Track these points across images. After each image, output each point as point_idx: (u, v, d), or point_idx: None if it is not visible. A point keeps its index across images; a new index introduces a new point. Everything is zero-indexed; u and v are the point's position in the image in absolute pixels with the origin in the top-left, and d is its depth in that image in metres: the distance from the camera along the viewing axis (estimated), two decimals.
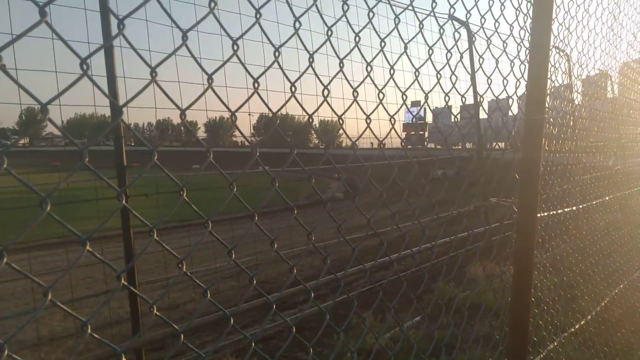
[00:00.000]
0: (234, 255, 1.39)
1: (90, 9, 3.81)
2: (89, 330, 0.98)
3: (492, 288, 3.40)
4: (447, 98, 2.30)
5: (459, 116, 3.08)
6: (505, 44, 2.55)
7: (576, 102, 4.27)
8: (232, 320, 1.46)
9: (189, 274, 1.27)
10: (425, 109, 2.62)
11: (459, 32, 2.38)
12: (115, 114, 3.73)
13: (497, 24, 2.51)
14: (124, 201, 1.10)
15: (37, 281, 0.95)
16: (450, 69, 2.26)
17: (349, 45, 1.88)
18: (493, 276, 3.62)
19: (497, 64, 2.55)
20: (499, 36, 2.55)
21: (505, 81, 2.60)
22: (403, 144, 2.24)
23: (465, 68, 2.37)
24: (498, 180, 2.82)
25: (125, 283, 1.06)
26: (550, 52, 2.36)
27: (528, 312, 2.35)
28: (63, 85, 0.96)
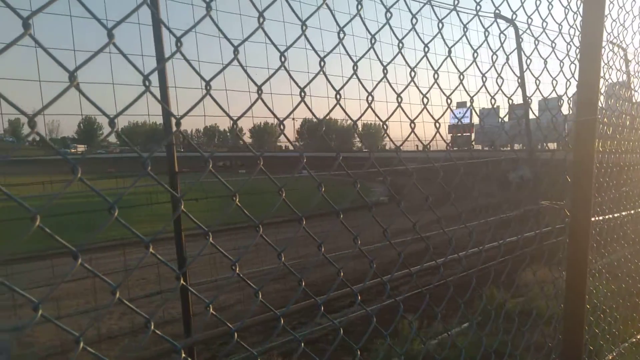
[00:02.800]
0: (283, 258, 1.44)
1: (144, 24, 4.02)
2: (152, 327, 1.05)
3: (544, 294, 3.29)
4: (493, 101, 2.26)
5: (506, 117, 3.01)
6: (554, 44, 2.48)
7: (634, 100, 4.06)
8: (282, 321, 1.51)
9: (241, 275, 1.33)
10: (471, 110, 2.59)
11: (504, 34, 2.33)
12: (169, 124, 3.94)
13: (545, 24, 2.44)
14: (182, 207, 1.17)
15: (107, 281, 1.03)
16: (497, 71, 2.22)
17: (391, 49, 1.89)
18: (545, 282, 3.51)
19: (545, 64, 2.48)
20: (547, 35, 2.48)
21: (554, 82, 2.53)
22: (449, 147, 2.23)
23: (511, 69, 2.30)
24: (549, 182, 2.74)
25: (184, 283, 1.13)
26: (604, 49, 2.28)
27: (582, 320, 2.27)
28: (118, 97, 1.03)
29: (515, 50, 7.43)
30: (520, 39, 7.02)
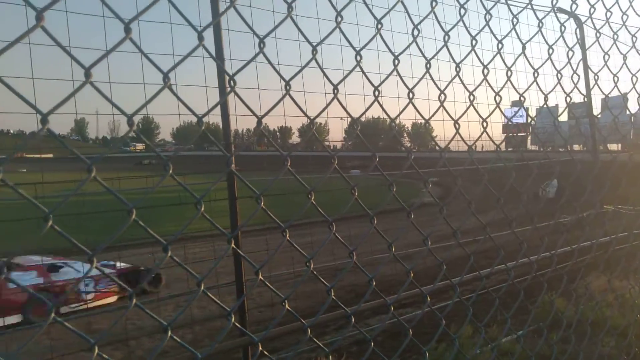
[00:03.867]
0: (355, 257, 1.44)
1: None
2: (234, 319, 1.08)
3: (617, 303, 3.09)
4: (546, 98, 2.16)
5: (564, 117, 2.87)
6: (616, 35, 2.32)
7: None
8: (353, 319, 1.51)
9: (315, 272, 1.33)
10: (526, 108, 2.48)
11: (564, 26, 2.22)
12: (227, 124, 4.08)
13: (609, 14, 2.29)
14: (262, 204, 1.18)
15: (192, 273, 1.07)
16: (555, 67, 2.12)
17: (435, 45, 1.84)
18: (613, 291, 3.30)
19: (624, 59, 2.31)
20: (610, 27, 2.32)
21: (615, 78, 2.36)
22: (500, 148, 2.15)
23: (570, 64, 2.16)
24: (612, 185, 2.58)
25: (262, 278, 1.15)
26: None
27: None
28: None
29: (573, 45, 6.98)
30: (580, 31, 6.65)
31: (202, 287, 1.01)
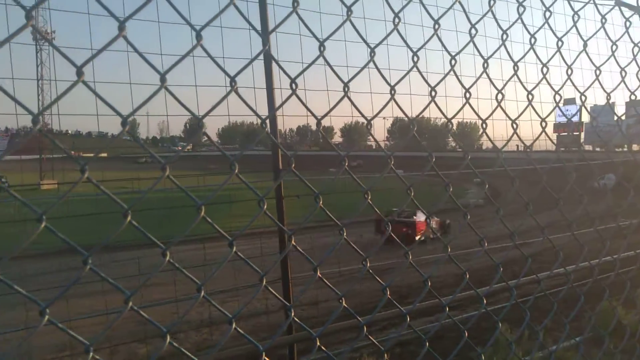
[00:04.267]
0: (410, 257, 1.44)
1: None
2: (293, 314, 1.12)
3: None
4: (609, 97, 2.07)
5: (623, 116, 2.73)
6: None
7: None
8: (408, 319, 1.51)
9: (371, 272, 1.35)
10: (580, 107, 2.37)
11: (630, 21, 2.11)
12: (274, 124, 4.16)
13: None
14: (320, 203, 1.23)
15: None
16: (618, 64, 2.02)
17: (498, 44, 1.79)
18: None
19: None
20: None
21: None
22: (556, 148, 2.07)
23: (635, 61, 2.05)
24: None
25: (320, 275, 1.18)
26: None
27: None
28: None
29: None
30: None
31: (203, 293, 1.01)
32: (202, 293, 0.96)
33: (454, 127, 1.64)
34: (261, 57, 4.12)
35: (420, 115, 1.66)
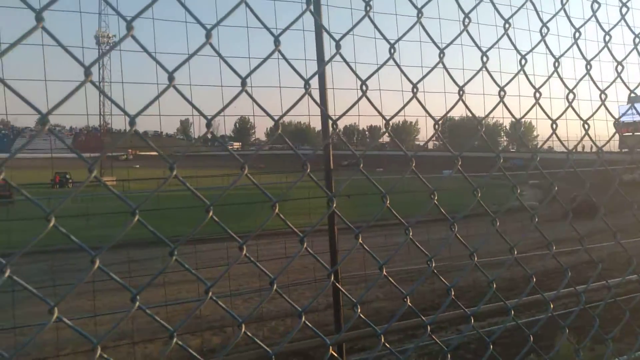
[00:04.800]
0: (476, 259, 1.42)
1: (308, 29, 4.31)
2: (357, 312, 1.14)
3: None
4: None
5: None
6: None
7: None
8: (472, 320, 1.49)
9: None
10: None
11: None
12: (326, 124, 4.19)
13: None
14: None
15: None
16: None
17: (559, 42, 1.73)
18: None
19: None
20: None
21: None
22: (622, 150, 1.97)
23: None
24: None
25: (386, 274, 1.20)
26: None
27: None
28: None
29: None
30: None
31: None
32: (275, 287, 1.00)
33: (507, 126, 1.59)
34: (315, 57, 4.16)
35: (469, 114, 1.63)
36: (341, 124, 1.34)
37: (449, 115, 1.58)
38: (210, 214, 0.85)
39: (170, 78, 0.94)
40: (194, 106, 1.05)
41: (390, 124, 1.32)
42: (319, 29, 4.01)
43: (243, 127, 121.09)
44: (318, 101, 4.07)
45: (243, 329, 1.01)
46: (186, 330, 9.33)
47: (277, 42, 0.93)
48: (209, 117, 1.09)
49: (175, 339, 0.90)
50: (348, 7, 3.93)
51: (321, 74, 3.79)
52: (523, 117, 1.50)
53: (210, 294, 0.91)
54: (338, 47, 1.07)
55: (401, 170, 1.41)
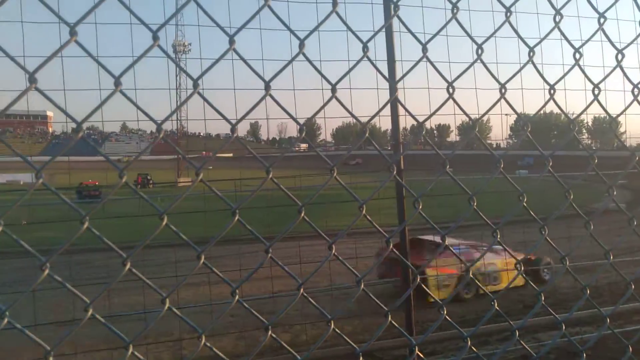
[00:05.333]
0: (568, 262, 1.37)
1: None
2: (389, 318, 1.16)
3: None
4: None
5: None
6: None
7: None
8: (563, 327, 1.42)
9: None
10: None
11: None
12: (397, 125, 4.19)
13: None
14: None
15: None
16: None
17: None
18: None
19: None
20: None
21: None
22: None
23: None
24: None
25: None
26: None
27: None
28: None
29: None
30: None
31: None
32: (362, 285, 1.02)
33: (590, 123, 1.49)
34: (384, 57, 4.15)
35: (545, 112, 1.54)
36: (406, 123, 1.35)
37: (527, 112, 1.52)
38: (302, 214, 0.90)
39: (267, 87, 1.00)
40: (287, 112, 1.11)
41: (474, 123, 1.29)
42: (390, 28, 4.00)
43: (310, 128, 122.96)
44: (387, 102, 4.05)
45: (332, 326, 1.04)
46: (280, 322, 9.63)
47: (365, 48, 0.95)
48: (303, 121, 1.15)
49: (269, 332, 0.96)
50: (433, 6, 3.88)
51: (392, 74, 3.79)
52: (621, 114, 1.40)
53: (302, 290, 0.96)
54: (425, 50, 1.07)
55: (468, 170, 1.38)
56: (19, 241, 0.81)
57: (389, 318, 1.13)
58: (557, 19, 1.15)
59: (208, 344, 0.90)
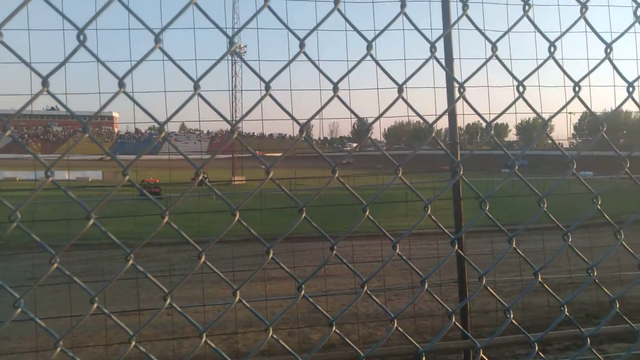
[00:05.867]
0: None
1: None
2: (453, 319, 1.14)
3: None
4: None
5: None
6: None
7: None
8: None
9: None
10: None
11: None
12: (454, 124, 4.10)
13: None
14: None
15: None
16: None
17: None
18: None
19: None
20: None
21: None
22: None
23: None
24: None
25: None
26: None
27: None
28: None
29: None
30: None
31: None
32: (426, 285, 1.03)
33: None
34: (442, 56, 4.08)
35: (618, 109, 1.46)
36: (462, 122, 1.31)
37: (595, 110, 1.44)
38: (367, 213, 0.91)
39: (335, 88, 1.03)
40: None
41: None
42: (447, 26, 3.91)
43: (362, 129, 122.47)
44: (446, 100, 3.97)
45: (395, 324, 1.05)
46: (344, 320, 9.74)
47: (433, 48, 0.96)
48: (368, 122, 1.17)
49: (334, 328, 0.98)
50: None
51: (449, 76, 3.71)
52: (617, 108, 1.31)
53: (365, 288, 0.98)
54: (494, 48, 1.05)
55: (522, 172, 1.31)
56: (107, 233, 0.88)
57: (453, 319, 1.12)
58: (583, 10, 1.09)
59: (276, 337, 0.94)
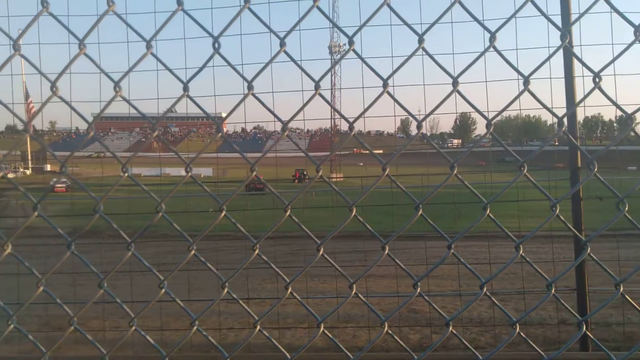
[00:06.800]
0: None
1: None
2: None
3: None
4: None
5: None
6: None
7: None
8: None
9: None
10: None
11: None
12: (574, 115, 3.78)
13: None
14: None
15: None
16: None
17: None
18: None
19: None
20: None
21: None
22: None
23: None
24: None
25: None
26: None
27: None
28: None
29: None
30: None
31: (418, 290, 0.94)
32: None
33: None
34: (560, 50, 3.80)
35: None
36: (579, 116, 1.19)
37: None
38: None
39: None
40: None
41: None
42: (566, 18, 3.61)
43: (464, 123, 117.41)
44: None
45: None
46: (404, 323, 9.58)
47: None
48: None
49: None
50: None
51: (568, 71, 3.42)
52: None
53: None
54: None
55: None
56: (236, 224, 0.97)
57: (584, 328, 1.04)
58: None
59: (391, 333, 0.96)
